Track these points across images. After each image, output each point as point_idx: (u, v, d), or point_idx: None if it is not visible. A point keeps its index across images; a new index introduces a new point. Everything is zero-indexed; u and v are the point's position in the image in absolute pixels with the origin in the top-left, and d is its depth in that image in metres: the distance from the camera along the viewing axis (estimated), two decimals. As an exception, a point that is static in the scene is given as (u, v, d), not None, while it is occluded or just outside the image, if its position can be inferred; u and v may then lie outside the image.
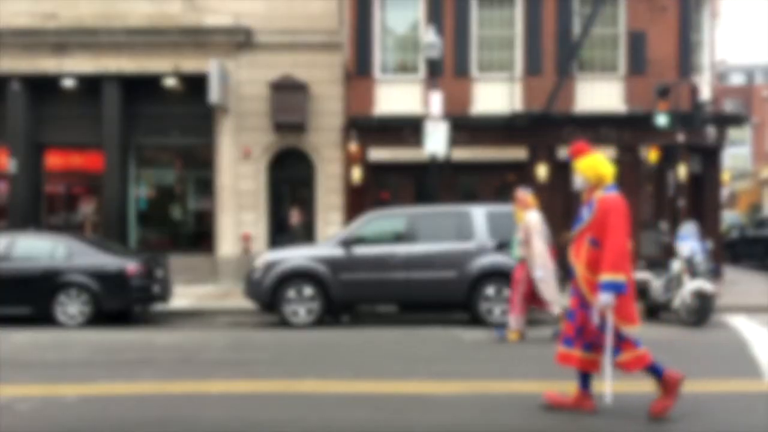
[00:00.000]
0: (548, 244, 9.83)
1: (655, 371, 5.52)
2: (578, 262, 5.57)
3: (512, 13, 17.79)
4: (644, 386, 5.84)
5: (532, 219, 9.68)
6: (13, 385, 6.87)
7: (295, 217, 16.00)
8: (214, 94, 16.64)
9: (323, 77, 17.70)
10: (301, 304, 11.34)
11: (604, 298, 5.31)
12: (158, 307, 13.06)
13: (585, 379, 5.69)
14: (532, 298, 9.78)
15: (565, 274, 12.27)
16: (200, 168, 18.60)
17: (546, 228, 9.94)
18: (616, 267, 5.32)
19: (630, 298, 5.48)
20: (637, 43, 17.50)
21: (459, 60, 17.63)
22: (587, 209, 5.62)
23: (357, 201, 17.40)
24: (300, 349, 9.13)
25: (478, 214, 11.71)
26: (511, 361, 8.34)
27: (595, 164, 5.64)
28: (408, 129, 17.09)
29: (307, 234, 17.63)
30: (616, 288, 5.31)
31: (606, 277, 5.33)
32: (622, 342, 5.51)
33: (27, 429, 5.47)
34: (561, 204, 17.68)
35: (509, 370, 7.65)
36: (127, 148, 18.18)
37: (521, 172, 17.87)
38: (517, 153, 17.60)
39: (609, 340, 5.43)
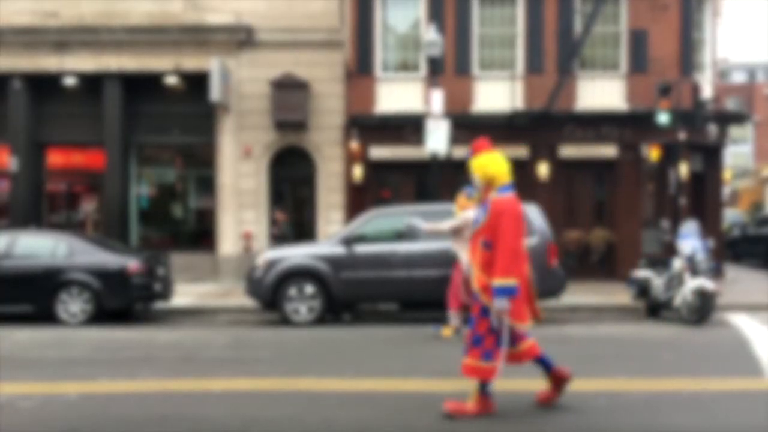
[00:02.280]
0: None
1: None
2: (474, 264, 5.54)
3: (513, 11, 17.77)
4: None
5: (470, 216, 9.69)
6: (15, 383, 6.88)
7: (279, 216, 15.98)
8: (215, 93, 16.64)
9: (324, 75, 17.70)
10: (302, 303, 11.35)
11: (499, 304, 5.30)
12: (159, 305, 13.08)
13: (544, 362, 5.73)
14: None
15: (566, 271, 12.31)
16: (201, 166, 18.61)
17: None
18: (507, 271, 5.27)
19: (522, 298, 5.45)
20: (638, 41, 17.49)
21: (460, 58, 17.62)
22: (482, 210, 5.55)
23: (358, 199, 17.41)
24: (301, 348, 9.13)
25: (479, 212, 11.69)
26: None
27: (486, 164, 5.53)
28: (409, 127, 17.09)
29: (301, 233, 17.62)
30: (508, 292, 5.28)
31: (498, 282, 5.29)
32: (516, 336, 5.56)
33: (29, 427, 5.48)
34: (562, 202, 17.69)
35: (510, 369, 7.64)
36: (128, 147, 18.19)
37: (522, 171, 17.84)
38: (518, 151, 17.58)
39: (505, 340, 5.43)
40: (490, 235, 5.40)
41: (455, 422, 5.41)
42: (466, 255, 9.50)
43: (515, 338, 5.56)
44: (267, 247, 15.92)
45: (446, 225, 9.82)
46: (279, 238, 15.85)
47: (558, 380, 5.73)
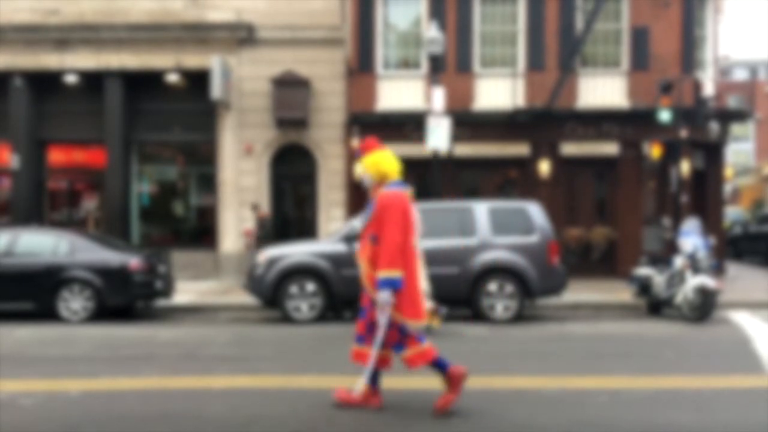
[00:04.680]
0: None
1: (440, 366, 5.49)
2: (362, 258, 5.54)
3: (515, 8, 17.75)
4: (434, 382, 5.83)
5: None
6: (17, 381, 6.89)
7: (262, 214, 15.90)
8: (216, 90, 16.64)
9: (325, 73, 17.69)
10: (303, 300, 11.35)
11: (382, 296, 5.30)
12: (160, 302, 13.09)
13: (377, 376, 5.66)
14: None
15: (567, 268, 12.31)
16: (202, 164, 18.62)
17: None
18: (390, 263, 5.28)
19: (415, 294, 5.44)
20: (640, 38, 17.46)
21: (461, 56, 17.60)
22: (370, 207, 5.57)
23: (359, 197, 17.39)
24: (302, 345, 9.14)
25: (481, 210, 11.70)
26: (513, 356, 8.35)
27: (379, 161, 5.57)
28: (410, 125, 17.08)
29: (301, 230, 17.62)
30: (391, 284, 5.28)
31: (381, 273, 5.30)
32: (405, 338, 5.48)
33: (31, 424, 5.48)
34: (563, 200, 17.68)
35: (511, 366, 7.66)
36: (129, 144, 18.19)
37: (523, 168, 17.87)
38: (520, 149, 17.58)
39: (380, 336, 5.40)
40: (377, 229, 5.42)
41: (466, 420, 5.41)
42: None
43: (406, 342, 5.50)
44: (252, 247, 15.88)
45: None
46: (262, 238, 15.67)
47: (370, 399, 5.63)
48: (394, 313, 5.39)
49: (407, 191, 5.64)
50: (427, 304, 9.68)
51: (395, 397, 5.94)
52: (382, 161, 5.59)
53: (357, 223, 11.95)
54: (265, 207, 17.75)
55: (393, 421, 5.41)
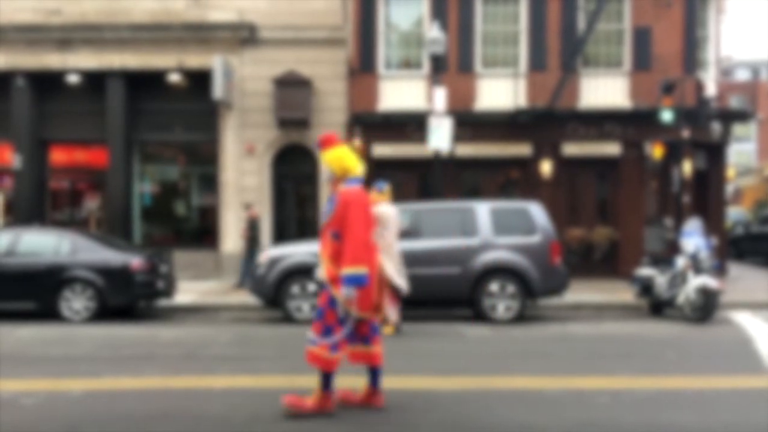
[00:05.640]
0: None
1: (327, 381, 5.48)
2: (324, 256, 5.52)
3: (517, 8, 17.75)
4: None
5: (382, 211, 9.70)
6: (18, 380, 6.90)
7: (252, 214, 15.87)
8: (218, 90, 16.65)
9: (327, 73, 17.70)
10: (304, 300, 11.35)
11: (346, 292, 5.29)
12: (162, 302, 13.10)
13: (376, 375, 5.65)
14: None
15: (569, 269, 12.31)
16: (204, 164, 18.63)
17: (398, 221, 9.95)
18: (356, 260, 5.27)
19: (371, 288, 5.44)
20: (642, 38, 17.45)
21: (463, 56, 17.60)
22: (330, 203, 5.56)
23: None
24: (303, 345, 9.11)
25: (482, 210, 11.70)
26: (515, 357, 8.34)
27: (342, 156, 5.57)
28: (412, 125, 17.09)
29: (303, 231, 17.62)
30: (357, 281, 5.27)
31: (347, 270, 5.28)
32: (374, 336, 5.55)
33: (32, 424, 5.49)
34: (565, 200, 17.68)
35: (513, 366, 7.65)
36: (131, 144, 18.21)
37: (525, 168, 17.86)
38: (521, 149, 17.57)
39: (345, 332, 5.39)
40: (339, 226, 5.41)
41: (467, 419, 5.40)
42: (382, 250, 9.59)
43: (371, 338, 5.54)
44: (243, 247, 15.86)
45: (386, 239, 9.86)
46: (252, 238, 15.59)
47: (370, 399, 5.68)
48: (349, 306, 5.37)
49: (364, 189, 5.64)
50: (393, 314, 9.77)
51: (396, 397, 5.94)
52: (345, 157, 5.58)
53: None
54: (267, 207, 17.76)
55: (396, 421, 5.41)
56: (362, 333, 5.56)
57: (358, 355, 5.60)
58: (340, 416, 5.51)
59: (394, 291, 9.81)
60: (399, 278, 9.71)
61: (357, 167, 5.61)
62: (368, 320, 5.56)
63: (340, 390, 5.82)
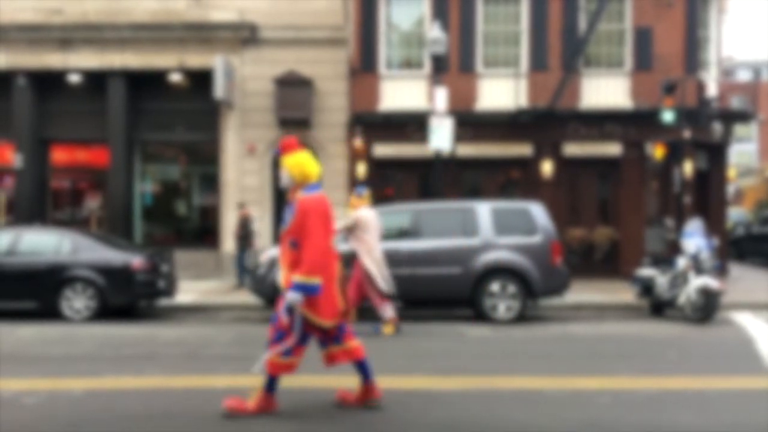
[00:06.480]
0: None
1: (270, 384, 5.51)
2: (283, 264, 5.47)
3: (518, 8, 17.74)
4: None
5: (362, 215, 9.86)
6: (20, 379, 6.90)
7: (245, 213, 15.89)
8: (219, 90, 16.65)
9: (328, 73, 17.70)
10: (305, 300, 11.33)
11: (292, 297, 5.25)
12: (163, 302, 13.10)
13: (363, 369, 5.63)
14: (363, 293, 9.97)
15: (570, 269, 12.30)
16: (205, 163, 18.64)
17: (377, 225, 10.09)
18: (311, 270, 5.23)
19: (332, 296, 5.41)
20: (643, 39, 17.45)
21: (464, 56, 17.60)
22: (289, 210, 5.50)
23: (362, 197, 17.40)
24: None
25: (483, 210, 11.69)
26: (516, 357, 8.34)
27: (302, 162, 5.49)
28: (413, 125, 17.09)
29: None
30: (306, 290, 5.24)
31: (299, 278, 5.24)
32: (343, 334, 5.54)
33: (33, 423, 5.49)
34: (566, 200, 17.67)
35: (513, 366, 7.65)
36: (132, 144, 18.22)
37: (526, 169, 17.86)
38: (522, 149, 17.57)
39: (297, 338, 5.37)
40: (297, 235, 5.36)
41: (468, 418, 5.40)
42: (365, 253, 9.76)
43: (341, 336, 5.52)
44: (235, 247, 15.86)
45: (338, 226, 10.10)
46: (244, 237, 15.57)
47: (366, 394, 5.67)
48: (310, 314, 5.34)
49: (324, 194, 5.58)
50: (389, 311, 9.84)
51: (396, 397, 5.94)
52: (306, 162, 5.51)
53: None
54: (267, 207, 17.76)
55: (396, 420, 5.41)
56: (332, 334, 5.53)
57: (337, 355, 5.58)
58: (339, 416, 5.52)
59: (381, 291, 9.87)
60: (381, 280, 9.82)
61: (316, 173, 5.54)
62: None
63: (338, 391, 5.82)
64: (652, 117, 16.45)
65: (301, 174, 5.49)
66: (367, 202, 10.14)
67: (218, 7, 17.79)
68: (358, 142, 17.40)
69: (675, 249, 13.64)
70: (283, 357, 5.39)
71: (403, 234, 11.76)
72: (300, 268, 5.27)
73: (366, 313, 10.37)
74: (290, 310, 5.34)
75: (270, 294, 11.53)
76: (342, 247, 11.55)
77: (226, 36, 17.65)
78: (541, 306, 12.54)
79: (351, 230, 9.91)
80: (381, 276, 9.91)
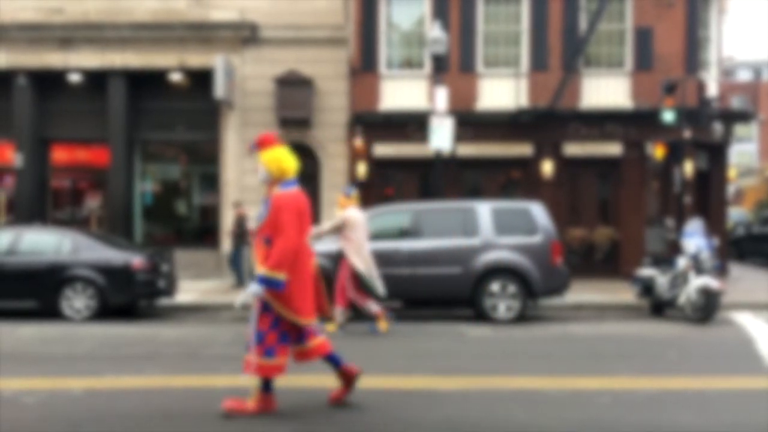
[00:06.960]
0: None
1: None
2: (258, 260, 5.46)
3: (518, 8, 17.74)
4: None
5: (349, 215, 9.91)
6: (20, 379, 6.90)
7: (240, 212, 15.84)
8: (219, 90, 16.65)
9: (328, 73, 17.70)
10: (305, 300, 11.34)
11: (254, 289, 5.28)
12: (163, 301, 13.10)
13: (333, 359, 5.65)
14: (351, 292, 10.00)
15: (570, 269, 12.30)
16: (205, 163, 18.64)
17: (365, 225, 10.14)
18: (278, 266, 5.23)
19: (307, 293, 5.43)
20: (643, 39, 17.44)
21: (464, 56, 17.60)
22: (265, 206, 5.49)
23: (362, 197, 17.37)
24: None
25: (483, 210, 11.69)
26: (516, 357, 8.34)
27: (279, 158, 5.46)
28: (413, 125, 17.08)
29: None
30: (270, 284, 5.25)
31: (264, 272, 5.25)
32: (305, 334, 5.53)
33: (33, 422, 5.49)
34: (566, 200, 17.67)
35: (513, 366, 7.65)
36: (133, 143, 18.22)
37: (526, 168, 17.86)
38: (523, 149, 17.57)
39: (252, 333, 5.40)
40: (270, 231, 5.34)
41: (468, 418, 5.40)
42: (353, 252, 9.81)
43: (304, 335, 5.53)
44: (230, 245, 15.82)
45: (326, 226, 10.29)
46: (237, 236, 15.54)
47: (348, 377, 5.71)
48: (286, 312, 5.35)
49: (301, 190, 5.55)
50: (374, 306, 9.92)
51: (396, 396, 5.94)
52: (283, 158, 5.48)
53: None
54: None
55: (396, 420, 5.41)
56: (294, 335, 5.54)
57: (304, 353, 5.59)
58: (339, 416, 5.52)
59: (365, 289, 9.90)
60: (374, 280, 9.88)
61: (293, 169, 5.52)
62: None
63: (333, 392, 5.81)
64: (653, 117, 16.45)
65: (279, 169, 5.45)
66: (356, 202, 10.24)
67: (219, 6, 17.79)
68: (359, 142, 17.40)
69: (675, 249, 13.63)
70: (266, 358, 5.38)
71: (403, 234, 11.76)
72: (267, 262, 5.27)
73: (363, 313, 10.36)
74: (268, 308, 5.36)
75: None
76: (335, 246, 11.63)
77: (227, 35, 17.65)
78: (542, 306, 12.54)
79: (339, 230, 9.95)
80: (370, 275, 9.93)
